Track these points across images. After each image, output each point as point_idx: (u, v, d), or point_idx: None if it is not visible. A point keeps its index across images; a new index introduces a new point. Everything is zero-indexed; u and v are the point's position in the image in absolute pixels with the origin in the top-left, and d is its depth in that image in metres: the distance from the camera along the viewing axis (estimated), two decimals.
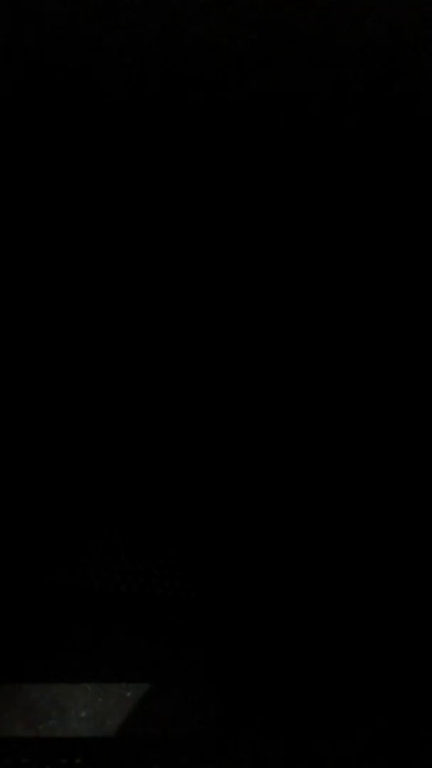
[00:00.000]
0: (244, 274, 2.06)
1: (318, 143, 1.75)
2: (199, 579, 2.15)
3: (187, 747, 1.95)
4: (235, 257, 2.04)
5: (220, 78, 1.57)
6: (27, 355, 2.18)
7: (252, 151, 1.77)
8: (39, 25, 1.45)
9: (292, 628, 2.15)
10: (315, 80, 1.57)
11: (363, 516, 2.24)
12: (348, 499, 2.25)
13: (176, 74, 1.55)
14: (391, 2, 1.43)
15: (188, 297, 2.12)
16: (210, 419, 2.25)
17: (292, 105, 1.64)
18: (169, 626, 2.10)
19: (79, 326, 2.17)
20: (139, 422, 2.24)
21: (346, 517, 2.24)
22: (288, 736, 2.02)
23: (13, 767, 1.85)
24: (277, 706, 2.06)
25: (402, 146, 1.72)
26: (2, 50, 1.52)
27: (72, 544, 2.13)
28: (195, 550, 2.18)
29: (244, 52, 1.49)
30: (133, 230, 1.99)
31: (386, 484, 2.25)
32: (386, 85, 1.57)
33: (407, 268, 2.04)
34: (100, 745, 1.93)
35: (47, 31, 1.46)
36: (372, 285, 2.07)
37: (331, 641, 2.14)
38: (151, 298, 2.14)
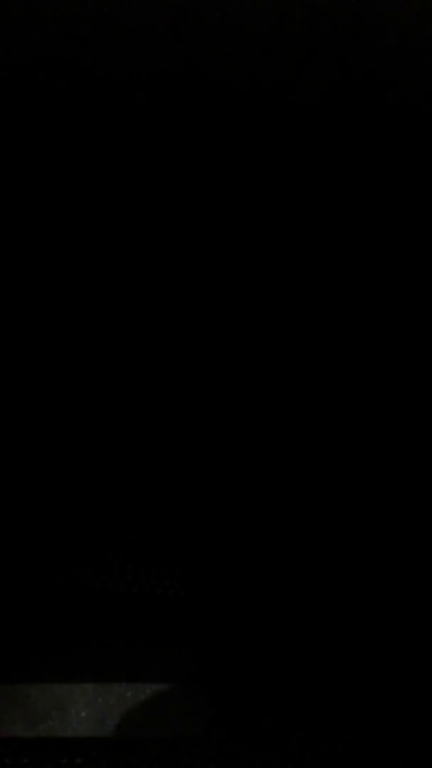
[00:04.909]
0: (246, 273, 2.07)
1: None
2: (199, 579, 2.15)
3: (187, 747, 1.95)
4: (236, 256, 2.04)
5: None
6: (30, 358, 2.19)
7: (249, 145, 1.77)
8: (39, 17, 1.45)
9: (292, 629, 2.15)
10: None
11: (363, 519, 2.24)
12: (348, 502, 2.25)
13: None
14: None
15: (188, 297, 2.12)
16: (209, 420, 2.25)
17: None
18: (169, 626, 2.10)
19: (87, 337, 2.17)
20: (139, 423, 2.25)
21: (346, 520, 2.24)
22: (288, 737, 2.02)
23: (13, 767, 1.85)
24: (278, 707, 2.06)
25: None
26: None
27: (72, 544, 2.13)
28: (195, 550, 2.18)
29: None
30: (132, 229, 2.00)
31: (386, 486, 2.25)
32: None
33: (407, 267, 2.04)
34: (100, 745, 1.93)
35: (41, 25, 1.46)
36: (372, 284, 2.07)
37: (331, 642, 2.14)
38: (150, 299, 2.14)
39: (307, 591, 2.18)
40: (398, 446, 2.25)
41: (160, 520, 2.18)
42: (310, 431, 2.25)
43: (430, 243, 1.96)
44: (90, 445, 2.22)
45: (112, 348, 2.20)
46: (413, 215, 1.91)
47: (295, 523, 2.22)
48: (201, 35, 1.50)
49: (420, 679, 2.11)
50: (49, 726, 1.95)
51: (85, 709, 1.97)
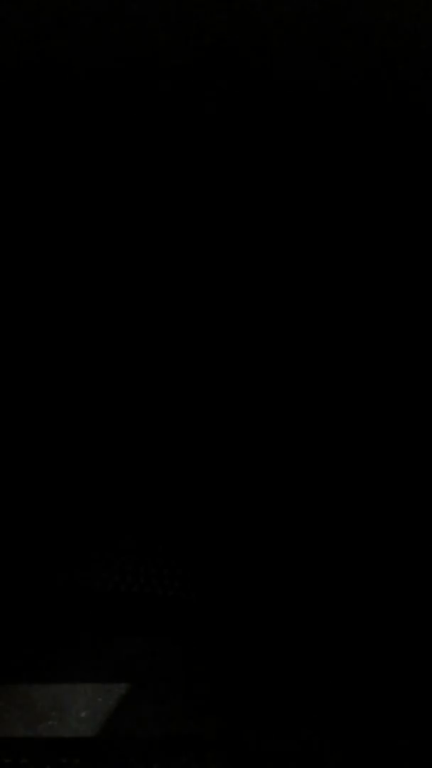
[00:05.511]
0: (247, 271, 2.07)
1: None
2: (199, 579, 2.15)
3: (187, 747, 1.95)
4: (237, 255, 2.04)
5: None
6: (31, 361, 2.19)
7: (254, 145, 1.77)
8: (42, 19, 1.45)
9: (291, 628, 2.15)
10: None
11: (363, 518, 2.24)
12: (348, 501, 2.25)
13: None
14: None
15: (188, 296, 2.12)
16: (210, 420, 2.25)
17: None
18: (169, 626, 2.10)
19: (88, 338, 2.17)
20: (139, 423, 2.25)
21: (346, 519, 2.24)
22: (288, 737, 2.02)
23: (13, 767, 1.85)
24: (278, 706, 2.06)
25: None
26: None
27: (72, 544, 2.14)
28: (195, 550, 2.18)
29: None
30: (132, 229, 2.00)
31: (386, 485, 2.25)
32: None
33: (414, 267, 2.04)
34: (100, 745, 1.93)
35: (48, 25, 1.46)
36: (376, 284, 2.07)
37: (331, 641, 2.14)
38: (150, 299, 2.14)
39: (306, 590, 2.18)
40: (398, 447, 2.25)
41: (160, 521, 2.19)
42: (310, 433, 2.25)
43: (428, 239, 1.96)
44: (90, 447, 2.22)
45: (112, 351, 2.20)
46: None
47: (294, 523, 2.22)
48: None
49: (419, 687, 2.11)
50: (49, 726, 1.95)
51: (85, 709, 1.97)
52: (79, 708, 1.97)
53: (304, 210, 1.92)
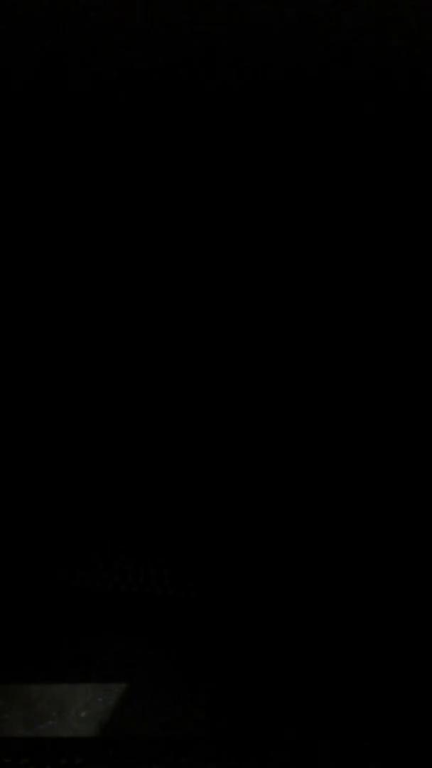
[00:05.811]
0: (248, 272, 2.07)
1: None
2: (199, 579, 2.15)
3: (187, 747, 1.95)
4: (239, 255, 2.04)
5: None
6: (30, 366, 2.19)
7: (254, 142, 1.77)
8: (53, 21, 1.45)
9: (291, 629, 2.14)
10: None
11: (362, 520, 2.24)
12: (345, 500, 2.25)
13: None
14: None
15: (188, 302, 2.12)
16: (209, 422, 2.25)
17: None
18: (169, 626, 2.10)
19: (89, 340, 2.17)
20: (139, 425, 2.24)
21: (345, 521, 2.24)
22: (289, 737, 2.02)
23: (13, 767, 1.85)
24: (277, 706, 2.06)
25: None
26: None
27: (72, 545, 2.13)
28: (195, 550, 2.18)
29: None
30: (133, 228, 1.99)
31: (385, 488, 2.25)
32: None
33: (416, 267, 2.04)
34: (100, 745, 1.93)
35: (52, 27, 1.46)
36: (379, 284, 2.07)
37: (330, 642, 2.14)
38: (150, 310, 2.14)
39: (305, 592, 2.18)
40: (398, 448, 2.25)
41: (160, 522, 2.18)
42: (307, 434, 2.25)
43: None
44: (91, 450, 2.22)
45: (112, 354, 2.20)
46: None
47: (294, 523, 2.22)
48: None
49: (417, 689, 2.11)
50: (49, 726, 1.94)
51: (85, 709, 1.97)
52: (79, 708, 1.97)
53: (302, 210, 1.93)
